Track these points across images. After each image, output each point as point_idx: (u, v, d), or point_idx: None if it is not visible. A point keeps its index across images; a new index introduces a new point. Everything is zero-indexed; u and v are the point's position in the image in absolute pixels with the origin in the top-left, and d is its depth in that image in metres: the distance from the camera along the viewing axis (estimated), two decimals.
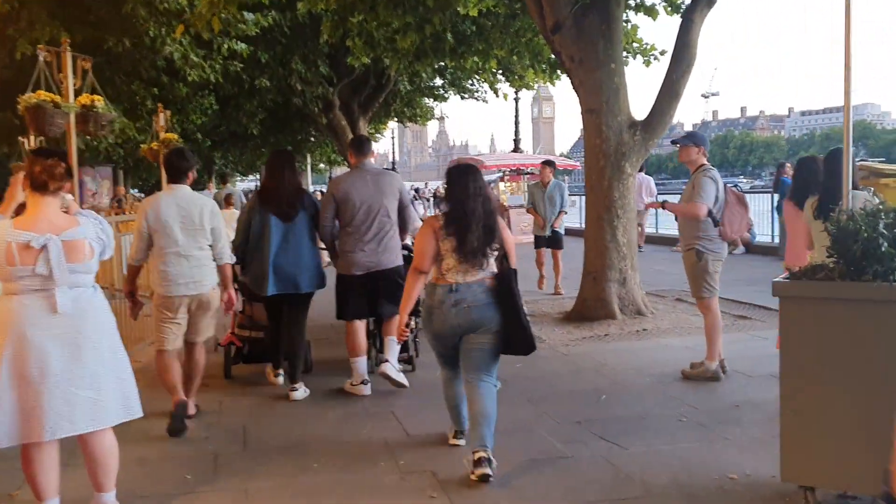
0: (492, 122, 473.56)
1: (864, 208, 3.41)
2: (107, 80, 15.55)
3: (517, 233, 16.65)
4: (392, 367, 5.77)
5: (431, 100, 24.87)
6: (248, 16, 12.45)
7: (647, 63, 11.35)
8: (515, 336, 4.34)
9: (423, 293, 4.50)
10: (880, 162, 10.29)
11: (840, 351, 3.40)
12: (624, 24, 9.56)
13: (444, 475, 4.22)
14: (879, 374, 3.31)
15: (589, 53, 8.10)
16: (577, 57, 8.16)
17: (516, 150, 29.64)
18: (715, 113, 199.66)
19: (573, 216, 18.00)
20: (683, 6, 9.28)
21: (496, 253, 4.34)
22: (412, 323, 5.58)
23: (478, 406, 4.29)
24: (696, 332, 7.71)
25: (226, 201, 12.56)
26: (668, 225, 17.52)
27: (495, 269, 4.35)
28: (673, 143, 6.28)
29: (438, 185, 38.72)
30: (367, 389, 5.87)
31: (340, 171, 32.35)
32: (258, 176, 45.73)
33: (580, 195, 23.71)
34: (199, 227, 5.08)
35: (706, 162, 5.94)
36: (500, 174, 23.17)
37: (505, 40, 11.78)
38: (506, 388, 5.81)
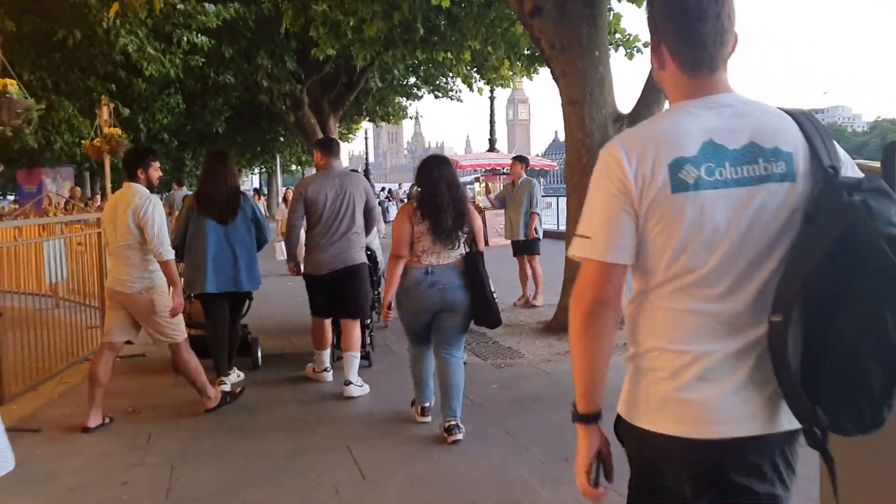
0: (467, 123, 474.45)
1: None
2: (62, 75, 14.82)
3: (493, 234, 15.92)
4: (355, 388, 5.77)
5: (405, 98, 24.19)
6: (209, 7, 11.65)
7: (630, 56, 10.64)
8: (482, 311, 4.68)
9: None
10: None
11: None
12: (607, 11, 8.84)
13: None
14: None
15: (571, 40, 7.37)
16: (559, 44, 7.44)
17: (492, 150, 28.98)
18: None
19: (550, 218, 17.36)
20: None
21: (465, 236, 4.67)
22: (369, 320, 6.54)
23: (449, 379, 4.69)
24: None
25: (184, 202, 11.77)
26: None
27: (464, 252, 4.69)
28: None
29: (412, 186, 38.03)
30: (328, 377, 6.15)
31: (312, 171, 31.34)
32: None
33: (556, 196, 23.22)
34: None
35: None
36: (476, 175, 22.54)
37: (479, 30, 10.98)
38: (480, 415, 5.11)
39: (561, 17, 7.35)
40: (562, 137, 8.37)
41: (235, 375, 6.16)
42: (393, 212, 26.89)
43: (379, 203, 31.58)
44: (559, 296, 8.06)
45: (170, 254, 5.05)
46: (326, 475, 4.22)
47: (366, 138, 42.24)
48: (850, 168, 1.71)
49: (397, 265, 4.73)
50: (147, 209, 5.00)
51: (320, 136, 18.87)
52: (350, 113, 23.85)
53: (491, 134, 29.37)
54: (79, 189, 23.28)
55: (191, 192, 6.58)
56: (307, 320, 6.36)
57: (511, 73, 14.14)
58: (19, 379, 6.05)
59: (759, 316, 1.65)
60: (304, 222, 6.02)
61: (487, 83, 17.40)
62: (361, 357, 6.24)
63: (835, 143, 1.70)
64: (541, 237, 9.70)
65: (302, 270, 6.11)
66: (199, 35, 12.28)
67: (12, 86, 5.47)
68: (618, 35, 10.38)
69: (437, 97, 22.25)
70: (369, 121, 28.19)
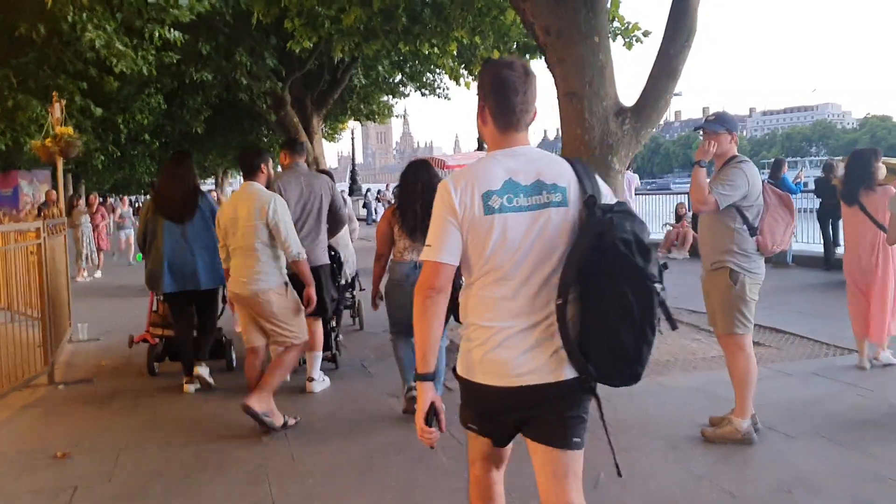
0: (456, 123, 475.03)
1: None
2: (30, 73, 14.01)
3: None
4: (318, 383, 6.02)
5: (391, 96, 23.39)
6: (182, 0, 10.89)
7: (629, 45, 9.89)
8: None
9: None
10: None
11: None
12: None
13: None
14: None
15: (568, 24, 6.59)
16: (554, 29, 6.66)
17: (480, 148, 28.26)
18: (678, 113, 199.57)
19: None
20: None
21: None
22: (334, 322, 6.67)
23: None
24: (704, 367, 6.33)
25: None
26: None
27: None
28: (697, 129, 4.71)
29: (396, 187, 37.37)
30: (316, 387, 6.03)
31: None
32: (214, 179, 43.82)
33: None
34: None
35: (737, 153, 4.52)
36: None
37: (466, 19, 10.15)
38: (462, 457, 4.35)
39: (556, 0, 6.60)
40: (552, 136, 7.63)
41: (204, 370, 6.13)
42: (381, 212, 26.27)
43: (364, 205, 30.72)
44: None
45: (303, 253, 5.11)
46: None
47: (352, 138, 41.33)
48: (608, 196, 2.37)
49: (378, 262, 5.30)
50: (277, 209, 4.99)
51: (303, 135, 18.26)
52: (335, 112, 23.01)
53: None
54: (55, 192, 22.41)
55: None
56: None
57: None
58: None
59: (544, 301, 2.30)
60: None
61: (475, 77, 16.65)
62: (328, 360, 6.53)
63: (598, 178, 2.38)
64: None
65: None
66: (172, 30, 11.53)
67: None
68: (616, 23, 9.64)
69: (423, 95, 21.45)
70: (355, 120, 27.37)
